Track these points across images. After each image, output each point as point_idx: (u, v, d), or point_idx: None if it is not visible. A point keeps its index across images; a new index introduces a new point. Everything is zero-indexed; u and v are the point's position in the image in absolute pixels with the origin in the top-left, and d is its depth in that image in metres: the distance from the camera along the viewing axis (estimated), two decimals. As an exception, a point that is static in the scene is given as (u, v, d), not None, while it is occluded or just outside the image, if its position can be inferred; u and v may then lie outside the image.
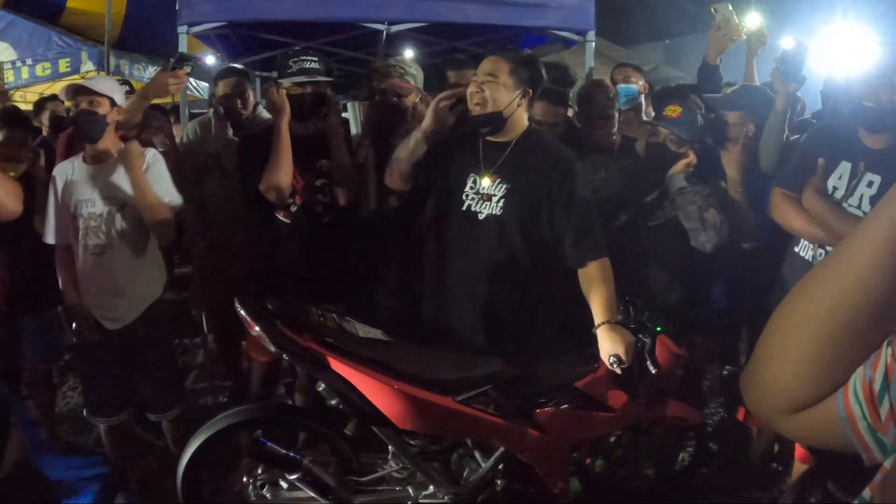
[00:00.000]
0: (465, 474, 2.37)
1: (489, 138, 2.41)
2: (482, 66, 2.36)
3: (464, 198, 2.43)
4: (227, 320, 3.30)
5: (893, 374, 0.63)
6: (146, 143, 3.42)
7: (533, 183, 2.34)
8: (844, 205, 2.31)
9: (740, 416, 2.87)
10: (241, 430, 2.34)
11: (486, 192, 2.38)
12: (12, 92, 7.08)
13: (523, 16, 4.09)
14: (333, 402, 2.21)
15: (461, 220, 2.45)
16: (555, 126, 2.91)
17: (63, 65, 6.66)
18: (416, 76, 2.99)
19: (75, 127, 2.71)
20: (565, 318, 2.52)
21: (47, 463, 2.39)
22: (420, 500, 2.34)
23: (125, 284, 2.74)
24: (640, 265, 2.77)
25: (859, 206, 2.27)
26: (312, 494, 2.28)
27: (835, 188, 2.37)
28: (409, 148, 2.46)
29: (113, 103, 2.69)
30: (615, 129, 3.03)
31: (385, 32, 4.14)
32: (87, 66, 6.65)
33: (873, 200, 2.23)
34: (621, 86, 3.45)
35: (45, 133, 4.42)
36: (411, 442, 2.33)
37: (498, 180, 2.36)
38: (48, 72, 6.66)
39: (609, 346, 2.19)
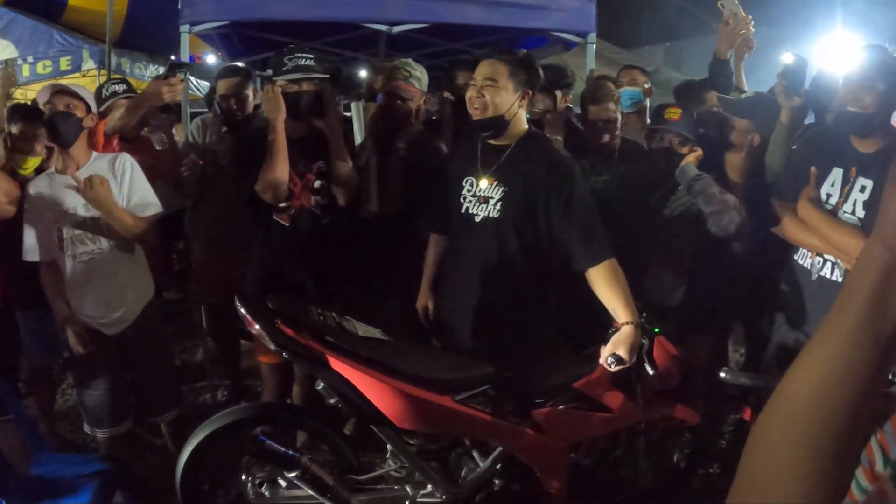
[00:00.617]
0: (463, 474, 2.38)
1: (489, 141, 2.42)
2: (479, 69, 2.35)
3: (461, 200, 2.43)
4: (226, 318, 3.32)
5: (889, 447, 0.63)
6: (145, 143, 3.44)
7: (531, 186, 2.33)
8: (840, 212, 2.32)
9: (746, 415, 2.87)
10: (241, 429, 2.34)
11: (483, 195, 2.38)
12: (13, 90, 7.08)
13: (524, 17, 4.08)
14: (332, 400, 2.22)
15: (459, 222, 2.46)
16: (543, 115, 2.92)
17: (64, 63, 6.67)
18: (421, 78, 2.99)
19: (49, 129, 2.67)
20: (563, 318, 2.53)
21: (46, 460, 2.40)
22: (418, 499, 2.34)
23: (120, 287, 2.74)
24: (637, 266, 2.78)
25: (854, 212, 2.28)
26: (311, 493, 2.28)
27: (829, 195, 2.37)
28: None
29: (88, 109, 2.68)
30: (617, 132, 3.04)
31: (386, 33, 4.15)
32: (89, 64, 6.66)
33: (867, 205, 2.23)
34: (626, 88, 3.44)
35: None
36: (410, 441, 2.34)
37: (495, 183, 2.37)
38: (49, 70, 6.66)
39: (623, 347, 2.15)
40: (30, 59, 6.63)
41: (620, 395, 2.35)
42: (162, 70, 3.60)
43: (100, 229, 2.67)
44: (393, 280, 2.99)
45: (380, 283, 3.04)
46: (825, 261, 2.37)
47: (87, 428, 2.88)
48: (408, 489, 2.35)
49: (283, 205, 2.76)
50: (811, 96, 2.70)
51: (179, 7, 3.78)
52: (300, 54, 2.71)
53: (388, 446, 2.31)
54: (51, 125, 2.65)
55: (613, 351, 2.16)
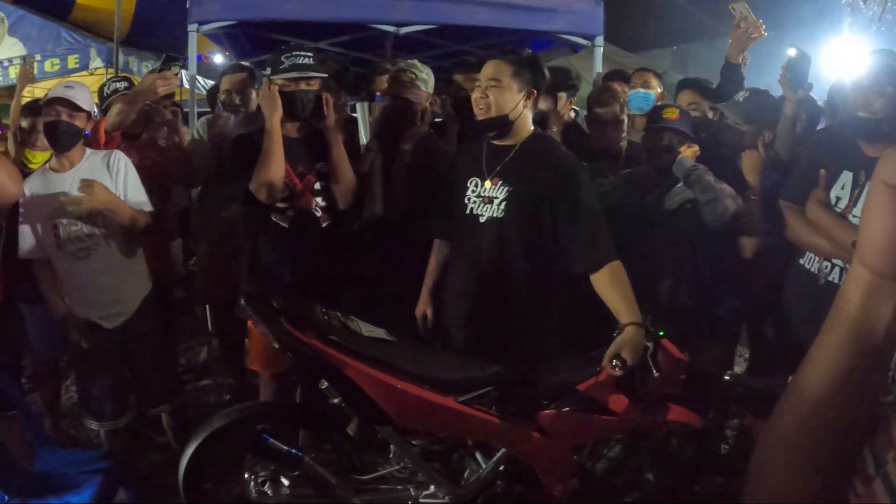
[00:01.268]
0: (465, 475, 2.37)
1: (494, 142, 2.42)
2: (485, 70, 2.36)
3: (466, 201, 2.43)
4: (230, 316, 3.31)
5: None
6: (150, 140, 3.44)
7: (536, 186, 2.33)
8: (849, 215, 2.31)
9: (749, 420, 2.86)
10: (244, 428, 2.34)
11: (487, 195, 2.38)
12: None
13: (532, 20, 4.09)
14: (336, 400, 2.21)
15: (463, 222, 2.45)
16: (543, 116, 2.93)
17: (72, 61, 6.69)
18: (427, 81, 2.97)
19: (48, 134, 2.70)
20: (567, 320, 2.52)
21: (49, 456, 2.41)
22: (421, 500, 2.34)
23: (118, 280, 2.76)
24: (642, 270, 2.77)
25: None
26: (313, 492, 2.28)
27: (838, 198, 2.36)
28: None
29: (88, 117, 2.74)
30: (623, 134, 3.04)
31: (394, 34, 4.15)
32: (96, 62, 6.68)
33: None
34: (639, 91, 3.41)
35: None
36: (413, 442, 2.34)
37: (500, 183, 2.37)
38: (57, 68, 6.68)
39: (626, 348, 2.14)
40: (38, 57, 6.64)
41: (624, 398, 2.35)
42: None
43: (95, 224, 2.69)
44: (396, 282, 2.98)
45: (383, 286, 3.03)
46: (833, 266, 2.36)
47: (87, 422, 2.90)
48: (410, 490, 2.35)
49: (281, 206, 2.72)
50: (829, 106, 2.72)
51: (188, 6, 3.79)
52: (298, 53, 2.66)
53: (391, 446, 2.31)
54: (50, 134, 2.69)
55: (617, 352, 2.15)
